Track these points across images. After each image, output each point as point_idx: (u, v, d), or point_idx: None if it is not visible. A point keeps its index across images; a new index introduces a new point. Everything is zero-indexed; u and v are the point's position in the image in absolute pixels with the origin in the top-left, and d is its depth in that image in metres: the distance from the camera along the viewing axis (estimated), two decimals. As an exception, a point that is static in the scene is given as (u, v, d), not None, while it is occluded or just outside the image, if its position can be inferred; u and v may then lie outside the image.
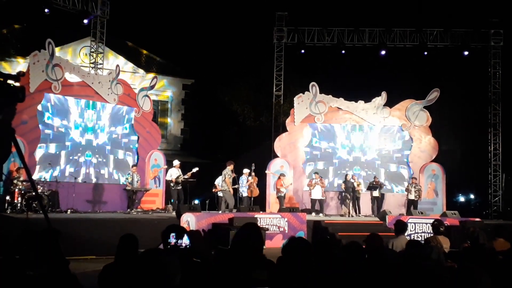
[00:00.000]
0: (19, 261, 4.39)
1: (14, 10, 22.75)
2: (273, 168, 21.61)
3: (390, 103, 22.71)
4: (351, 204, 20.44)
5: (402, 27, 24.45)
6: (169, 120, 30.74)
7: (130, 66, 28.47)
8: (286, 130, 22.70)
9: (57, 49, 19.16)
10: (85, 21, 22.41)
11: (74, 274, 4.45)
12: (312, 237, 16.25)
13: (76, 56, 26.53)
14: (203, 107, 30.36)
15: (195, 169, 19.16)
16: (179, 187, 19.17)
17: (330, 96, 22.60)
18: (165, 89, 30.29)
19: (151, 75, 26.64)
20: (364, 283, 4.46)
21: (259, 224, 14.92)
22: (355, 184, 20.62)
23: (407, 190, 20.83)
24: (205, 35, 34.86)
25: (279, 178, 20.26)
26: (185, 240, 4.64)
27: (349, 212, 20.28)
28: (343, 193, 21.02)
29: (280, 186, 20.03)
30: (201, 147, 28.83)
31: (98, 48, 23.35)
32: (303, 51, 25.14)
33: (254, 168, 19.42)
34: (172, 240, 4.71)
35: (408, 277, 4.56)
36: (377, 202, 20.85)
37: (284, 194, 20.12)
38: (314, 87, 22.35)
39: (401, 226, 8.96)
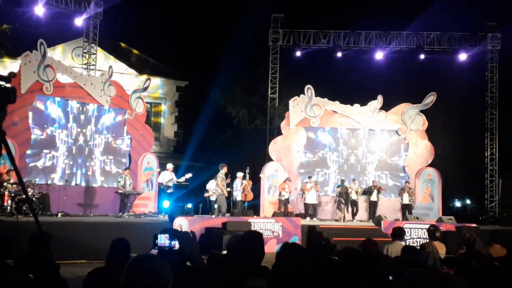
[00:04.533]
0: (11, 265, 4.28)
1: (5, 9, 22.48)
2: (268, 171, 21.41)
3: (386, 107, 22.57)
4: (345, 209, 20.28)
5: (398, 30, 24.32)
6: (162, 122, 30.55)
7: (123, 67, 28.24)
8: (281, 134, 22.52)
9: (48, 50, 18.86)
10: (78, 21, 22.16)
11: (65, 278, 4.48)
12: (307, 242, 16.08)
13: (68, 57, 26.29)
14: (197, 110, 30.12)
15: (188, 175, 18.89)
16: (170, 191, 18.86)
17: (326, 99, 22.46)
18: (159, 91, 30.11)
19: (144, 76, 26.42)
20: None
21: (252, 229, 14.69)
22: (354, 188, 20.42)
23: (400, 194, 20.64)
24: (199, 36, 34.71)
25: (284, 181, 20.07)
26: (175, 242, 4.50)
27: (344, 217, 20.11)
28: (338, 198, 20.83)
29: (283, 189, 19.79)
30: (195, 150, 28.60)
31: (90, 49, 23.11)
32: (298, 53, 24.98)
33: (248, 171, 19.22)
34: (166, 241, 4.53)
35: (403, 283, 4.41)
36: (374, 206, 20.63)
37: (285, 199, 19.85)
38: (309, 90, 22.17)
39: (398, 232, 9.03)
